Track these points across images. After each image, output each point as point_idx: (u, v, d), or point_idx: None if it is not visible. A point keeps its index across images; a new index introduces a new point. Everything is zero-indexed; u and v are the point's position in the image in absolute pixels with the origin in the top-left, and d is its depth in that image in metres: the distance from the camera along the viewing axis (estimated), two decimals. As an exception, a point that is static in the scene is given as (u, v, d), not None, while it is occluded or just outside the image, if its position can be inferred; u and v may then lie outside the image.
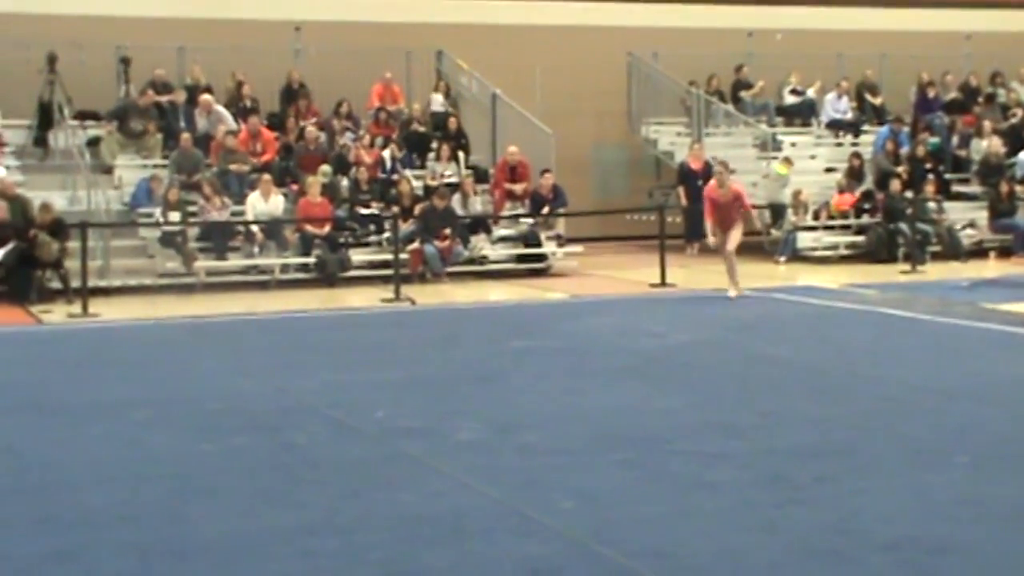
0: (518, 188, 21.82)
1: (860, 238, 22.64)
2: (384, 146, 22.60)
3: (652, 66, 26.38)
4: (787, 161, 23.43)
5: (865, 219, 22.78)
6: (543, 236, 21.37)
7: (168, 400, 10.23)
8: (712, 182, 17.02)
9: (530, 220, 21.47)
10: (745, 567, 5.92)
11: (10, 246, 17.67)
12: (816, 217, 22.84)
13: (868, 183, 23.59)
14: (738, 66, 26.70)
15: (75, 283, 17.03)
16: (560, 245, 21.52)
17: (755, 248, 23.26)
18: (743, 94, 26.27)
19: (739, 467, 7.74)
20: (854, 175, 23.57)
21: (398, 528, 6.57)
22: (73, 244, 17.43)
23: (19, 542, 6.45)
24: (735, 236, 16.69)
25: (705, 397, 10.20)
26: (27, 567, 6.03)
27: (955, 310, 15.49)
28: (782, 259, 22.15)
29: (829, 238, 22.71)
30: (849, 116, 26.39)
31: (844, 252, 22.51)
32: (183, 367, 12.17)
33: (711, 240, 17.05)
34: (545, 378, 11.15)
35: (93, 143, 21.33)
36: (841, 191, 23.19)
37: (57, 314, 16.34)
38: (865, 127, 26.34)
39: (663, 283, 18.43)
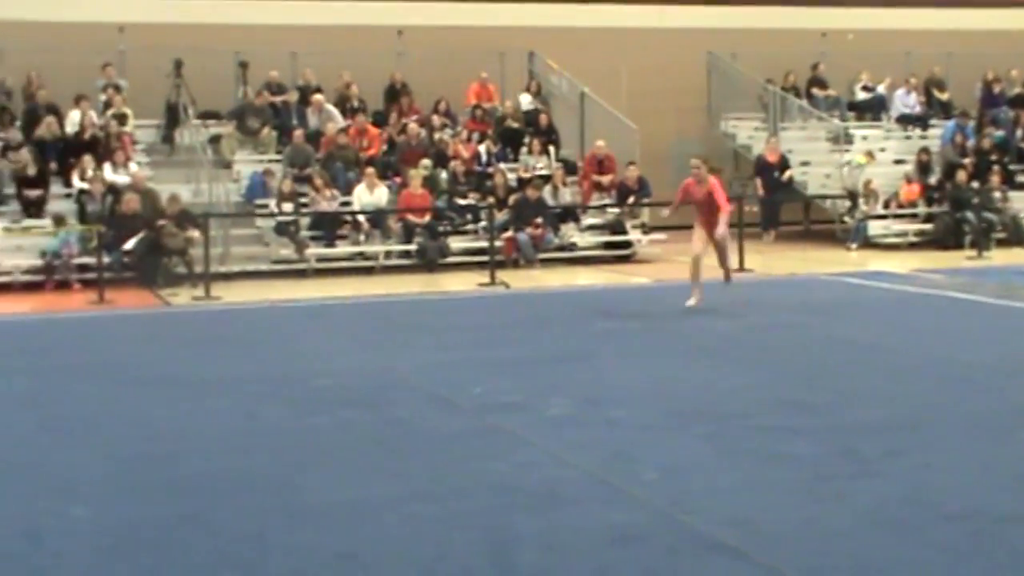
0: (605, 180, 21.79)
1: (928, 226, 22.34)
2: (480, 141, 22.65)
3: (731, 65, 26.17)
4: (869, 155, 23.20)
5: (933, 208, 22.51)
6: (628, 224, 21.31)
7: (283, 376, 10.33)
8: (691, 177, 14.67)
9: (616, 210, 21.40)
10: (819, 535, 5.88)
11: (140, 235, 17.94)
12: (886, 206, 22.57)
13: (936, 174, 23.27)
14: (813, 64, 26.45)
15: (198, 269, 17.26)
16: (644, 233, 21.44)
17: (828, 235, 23.08)
18: (816, 91, 26.03)
19: (812, 441, 7.68)
20: (923, 167, 23.25)
21: (494, 496, 6.60)
22: (196, 233, 17.70)
23: (152, 505, 6.57)
24: (719, 235, 14.37)
25: (780, 375, 10.13)
26: (159, 528, 6.14)
27: (1019, 294, 15.24)
28: (854, 246, 21.90)
29: (898, 226, 22.43)
30: (917, 111, 26.01)
31: (913, 239, 22.22)
32: (296, 346, 12.27)
33: (664, 212, 16.14)
34: (631, 357, 11.13)
35: (214, 140, 21.57)
36: (910, 182, 22.90)
37: (182, 297, 16.56)
38: (933, 121, 25.93)
39: (741, 268, 18.24)
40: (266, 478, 7.07)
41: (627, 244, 21.16)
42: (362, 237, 19.72)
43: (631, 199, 21.36)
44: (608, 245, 21.11)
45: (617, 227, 21.15)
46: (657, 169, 23.34)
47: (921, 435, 7.86)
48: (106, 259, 17.22)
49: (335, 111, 22.45)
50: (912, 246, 21.95)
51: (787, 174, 23.45)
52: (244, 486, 6.91)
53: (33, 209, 19.01)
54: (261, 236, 19.77)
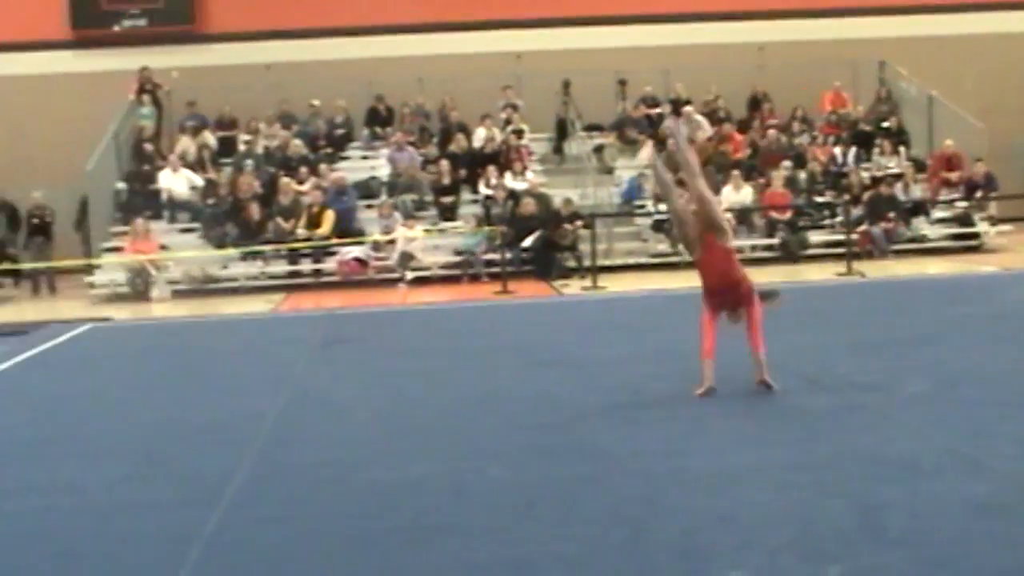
0: (953, 176, 20.82)
1: None
2: (835, 144, 22.13)
3: (1076, 64, 24.50)
4: None
5: None
6: (976, 217, 20.29)
7: (663, 356, 10.33)
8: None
9: (964, 203, 20.42)
10: None
11: (537, 234, 18.45)
12: None
13: None
14: None
15: (586, 262, 17.59)
16: (992, 225, 20.37)
17: None
18: None
19: None
20: None
21: (859, 467, 6.42)
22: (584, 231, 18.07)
23: (556, 467, 6.70)
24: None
25: None
26: (562, 488, 6.27)
27: None
28: None
29: None
30: None
31: None
32: (673, 330, 12.18)
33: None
34: (982, 340, 10.57)
35: (598, 150, 21.98)
36: None
37: (573, 287, 16.94)
38: None
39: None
40: (653, 446, 7.12)
41: (975, 235, 20.14)
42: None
43: (979, 193, 20.34)
44: (956, 236, 20.16)
45: (965, 219, 20.20)
46: (1004, 165, 22.15)
47: None
48: (508, 255, 17.81)
49: (704, 120, 22.40)
50: None
51: None
52: (634, 452, 6.98)
53: (447, 213, 19.90)
54: (639, 233, 19.98)
